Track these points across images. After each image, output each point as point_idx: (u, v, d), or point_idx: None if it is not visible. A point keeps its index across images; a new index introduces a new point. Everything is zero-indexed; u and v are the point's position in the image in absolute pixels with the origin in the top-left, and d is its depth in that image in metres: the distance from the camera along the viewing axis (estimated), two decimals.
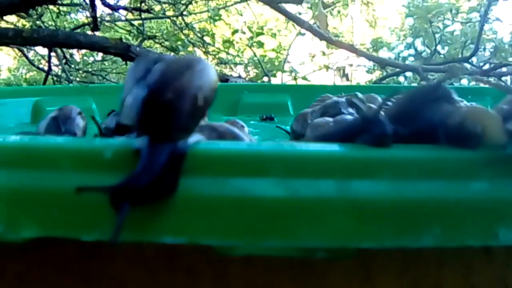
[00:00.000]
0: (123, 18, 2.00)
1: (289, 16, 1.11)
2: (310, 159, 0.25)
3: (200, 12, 2.33)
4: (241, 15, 2.54)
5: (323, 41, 1.06)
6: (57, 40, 1.68)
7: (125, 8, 1.64)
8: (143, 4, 1.78)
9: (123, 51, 1.62)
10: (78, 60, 2.39)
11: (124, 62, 1.73)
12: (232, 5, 2.36)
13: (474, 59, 1.88)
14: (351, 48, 1.18)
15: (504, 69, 1.33)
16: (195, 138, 0.25)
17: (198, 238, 0.25)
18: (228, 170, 0.24)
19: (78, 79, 2.18)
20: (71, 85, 1.69)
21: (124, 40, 1.74)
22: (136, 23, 1.92)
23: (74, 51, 2.24)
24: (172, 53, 1.84)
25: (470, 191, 0.24)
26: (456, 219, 0.24)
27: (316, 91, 0.78)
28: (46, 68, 2.03)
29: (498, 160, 0.25)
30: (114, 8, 1.57)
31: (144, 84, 0.24)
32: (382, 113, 0.27)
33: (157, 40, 1.94)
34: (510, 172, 0.25)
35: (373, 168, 0.24)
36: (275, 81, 1.96)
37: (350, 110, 0.46)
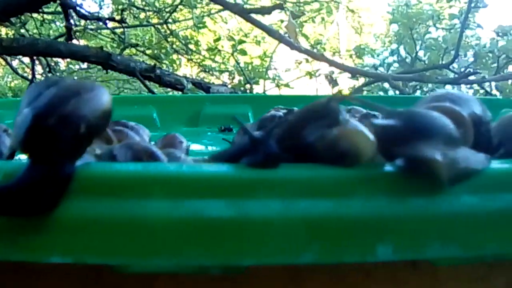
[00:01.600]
0: (107, 26, 2.01)
1: (259, 26, 1.12)
2: (193, 180, 0.25)
3: (185, 20, 2.34)
4: (226, 22, 2.55)
5: (294, 50, 1.07)
6: (37, 49, 1.69)
7: (98, 19, 1.64)
8: (124, 13, 1.79)
9: (104, 60, 1.63)
10: (63, 68, 2.39)
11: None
12: (216, 12, 2.37)
13: (455, 65, 1.89)
14: (322, 58, 1.19)
15: (473, 77, 1.34)
16: (84, 160, 0.26)
17: (86, 258, 0.25)
18: (111, 191, 0.25)
19: None
20: None
21: (107, 49, 1.75)
22: (118, 31, 1.93)
23: (59, 59, 2.24)
24: (155, 61, 1.84)
25: (347, 209, 0.25)
26: (333, 237, 0.25)
27: (276, 102, 0.79)
28: (30, 76, 2.04)
29: (373, 178, 0.25)
30: (89, 18, 1.58)
31: (32, 107, 0.25)
32: (274, 131, 0.28)
33: (139, 48, 1.94)
34: (385, 189, 0.25)
35: (249, 189, 0.25)
36: (257, 88, 1.96)
37: None
